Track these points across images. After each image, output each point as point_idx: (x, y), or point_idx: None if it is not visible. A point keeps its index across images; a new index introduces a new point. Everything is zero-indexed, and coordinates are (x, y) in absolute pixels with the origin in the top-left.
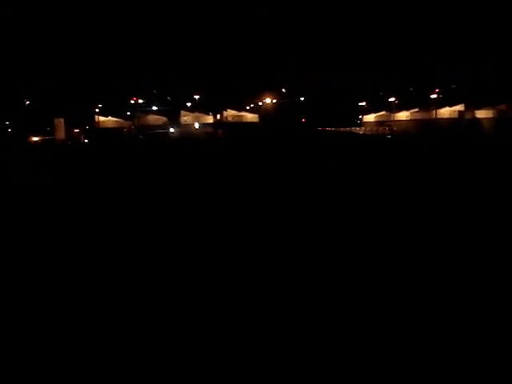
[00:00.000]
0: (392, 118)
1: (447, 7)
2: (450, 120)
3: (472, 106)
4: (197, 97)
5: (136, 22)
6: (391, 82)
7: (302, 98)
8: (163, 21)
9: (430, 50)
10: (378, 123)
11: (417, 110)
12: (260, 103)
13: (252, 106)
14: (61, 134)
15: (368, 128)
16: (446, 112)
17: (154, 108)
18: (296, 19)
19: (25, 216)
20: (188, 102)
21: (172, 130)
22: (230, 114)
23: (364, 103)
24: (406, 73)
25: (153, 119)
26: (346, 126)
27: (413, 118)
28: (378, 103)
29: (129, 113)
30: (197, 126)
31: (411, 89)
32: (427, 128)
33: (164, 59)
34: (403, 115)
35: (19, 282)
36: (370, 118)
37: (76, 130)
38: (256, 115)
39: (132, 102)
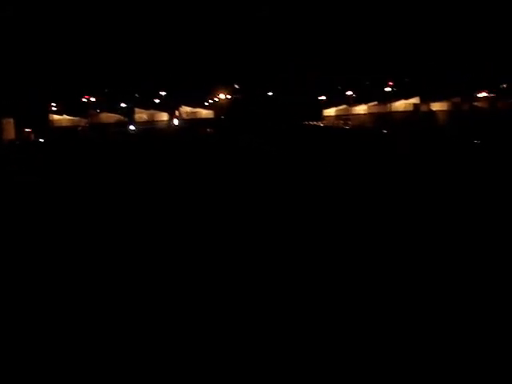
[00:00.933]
0: (351, 112)
1: (399, 3)
2: (404, 113)
3: (427, 98)
4: (163, 93)
5: (91, 18)
6: (349, 76)
7: (258, 94)
8: (120, 16)
9: (387, 43)
10: (337, 117)
11: (376, 103)
12: (216, 99)
13: (208, 102)
14: (9, 134)
15: (325, 122)
16: (400, 105)
17: (123, 105)
18: (243, 18)
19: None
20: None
21: (132, 127)
22: (184, 110)
23: (324, 97)
24: (364, 66)
25: (106, 117)
26: (307, 121)
27: (370, 111)
28: (339, 97)
29: (99, 110)
30: (176, 122)
31: (367, 82)
32: (382, 121)
33: (119, 56)
34: (361, 109)
35: (18, 282)
36: (331, 111)
37: (27, 130)
38: (211, 111)
39: (84, 100)
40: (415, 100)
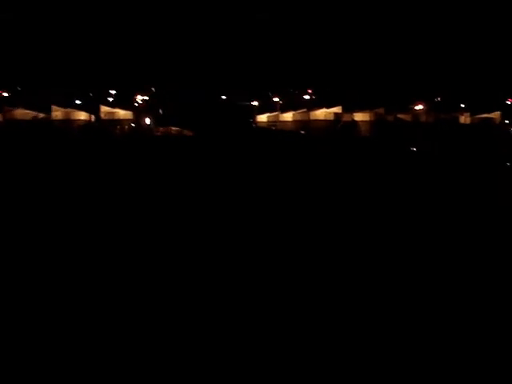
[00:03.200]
0: (279, 119)
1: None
2: (324, 122)
3: (351, 108)
4: (113, 92)
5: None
6: (277, 82)
7: (185, 95)
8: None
9: (319, 51)
10: (268, 123)
11: (305, 110)
12: (136, 101)
13: (129, 102)
14: None
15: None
16: (321, 114)
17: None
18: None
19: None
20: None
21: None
22: (103, 110)
23: (256, 103)
24: (288, 73)
25: (21, 114)
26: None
27: (294, 118)
28: (270, 103)
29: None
30: (148, 121)
31: (291, 90)
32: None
33: (40, 53)
34: (288, 116)
35: (19, 282)
36: (263, 117)
37: None
38: (130, 112)
39: None
40: (337, 109)
